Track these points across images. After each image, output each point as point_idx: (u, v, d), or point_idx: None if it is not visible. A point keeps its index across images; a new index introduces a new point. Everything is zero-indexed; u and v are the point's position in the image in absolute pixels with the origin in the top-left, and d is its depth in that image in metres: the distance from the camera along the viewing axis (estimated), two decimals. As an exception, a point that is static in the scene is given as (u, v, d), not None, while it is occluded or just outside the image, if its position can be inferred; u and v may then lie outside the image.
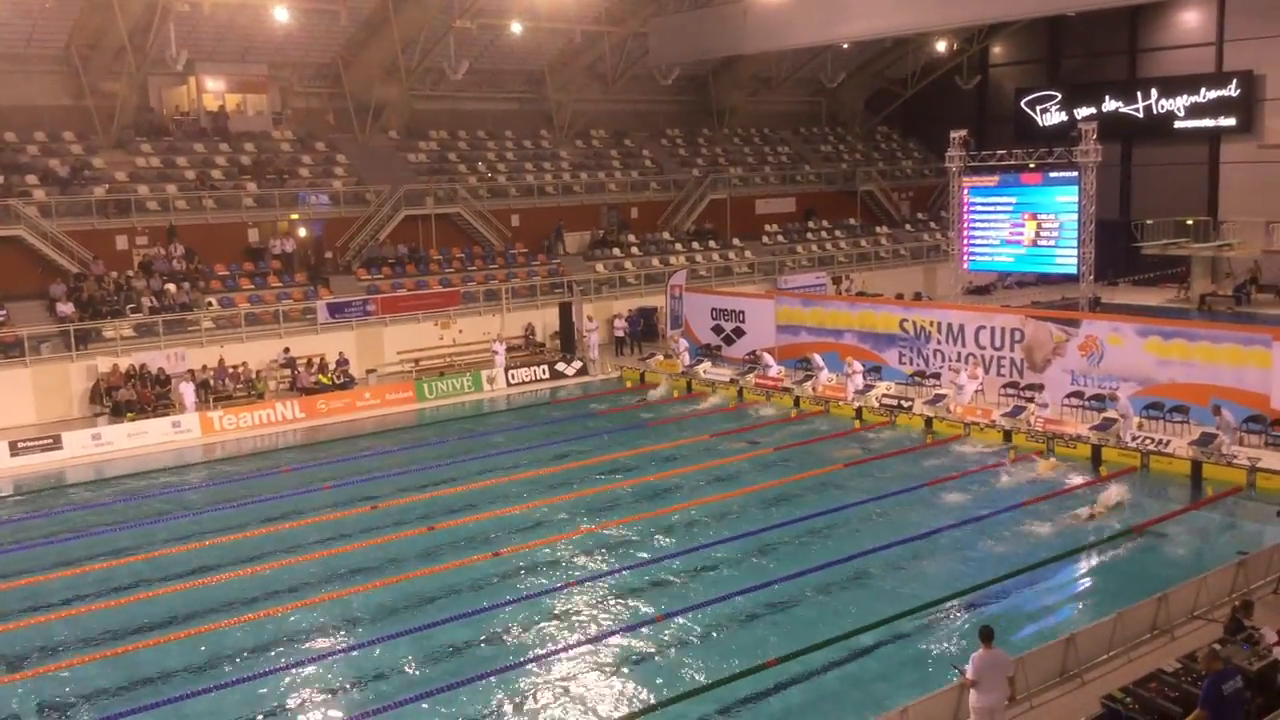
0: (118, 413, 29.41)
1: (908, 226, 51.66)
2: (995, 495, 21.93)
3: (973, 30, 48.90)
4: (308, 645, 15.84)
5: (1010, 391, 28.02)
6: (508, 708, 13.79)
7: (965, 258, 36.48)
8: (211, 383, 31.15)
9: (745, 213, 48.00)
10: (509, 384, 33.89)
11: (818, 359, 30.99)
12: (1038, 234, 33.96)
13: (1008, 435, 25.40)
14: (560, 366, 35.20)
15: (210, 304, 33.62)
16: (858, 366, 29.45)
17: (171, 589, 18.09)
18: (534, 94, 45.39)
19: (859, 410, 28.45)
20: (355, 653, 15.56)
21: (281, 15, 34.68)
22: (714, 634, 15.74)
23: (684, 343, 34.89)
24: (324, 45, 39.45)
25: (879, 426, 27.58)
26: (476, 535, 20.21)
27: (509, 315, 37.80)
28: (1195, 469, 22.35)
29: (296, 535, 20.71)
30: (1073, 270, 33.83)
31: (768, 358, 32.20)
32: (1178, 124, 46.53)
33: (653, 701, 13.67)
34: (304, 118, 40.79)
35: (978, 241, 35.97)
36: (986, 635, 11.78)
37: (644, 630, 15.83)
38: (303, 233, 37.61)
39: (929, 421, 27.04)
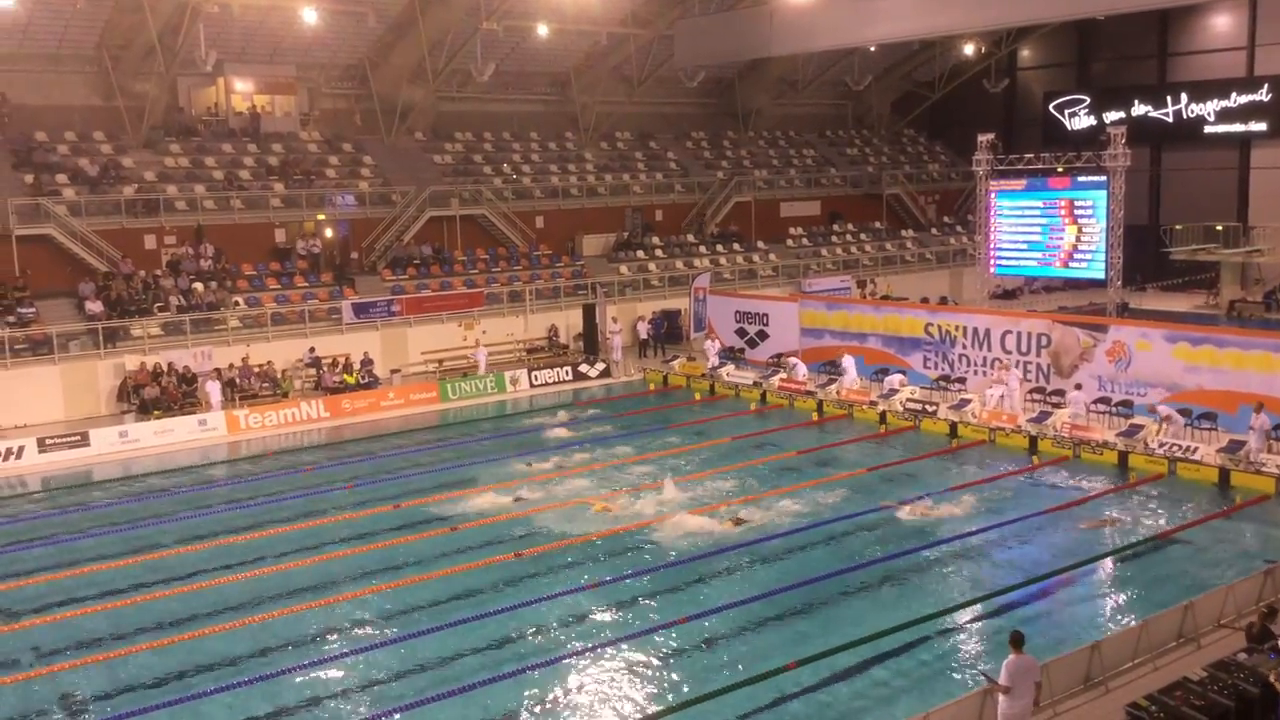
0: (145, 410, 29.67)
1: (933, 230, 51.40)
2: (1020, 501, 21.78)
3: (1001, 33, 48.60)
4: (327, 644, 15.89)
5: (1037, 397, 27.81)
6: (528, 708, 13.79)
7: (991, 262, 36.26)
8: (237, 381, 31.35)
9: (770, 216, 47.89)
10: (532, 385, 33.94)
11: (844, 361, 30.86)
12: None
13: (1034, 441, 25.23)
14: (583, 368, 35.21)
15: (237, 303, 33.85)
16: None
17: (193, 587, 18.19)
18: (559, 96, 45.50)
19: (883, 415, 28.33)
20: (374, 652, 15.58)
21: (310, 17, 34.92)
22: (736, 637, 15.68)
23: (715, 345, 34.81)
24: (352, 47, 39.68)
25: (903, 431, 27.49)
26: (498, 536, 20.23)
27: (532, 317, 37.88)
28: (1223, 476, 22.16)
29: (319, 534, 20.80)
30: (1100, 275, 33.57)
31: (794, 360, 32.15)
32: (1208, 129, 46.19)
33: (675, 703, 13.64)
34: (331, 119, 41.06)
35: (1005, 246, 35.74)
36: (1017, 640, 11.68)
37: (670, 632, 15.78)
38: (329, 233, 37.83)
39: (954, 427, 26.89)
